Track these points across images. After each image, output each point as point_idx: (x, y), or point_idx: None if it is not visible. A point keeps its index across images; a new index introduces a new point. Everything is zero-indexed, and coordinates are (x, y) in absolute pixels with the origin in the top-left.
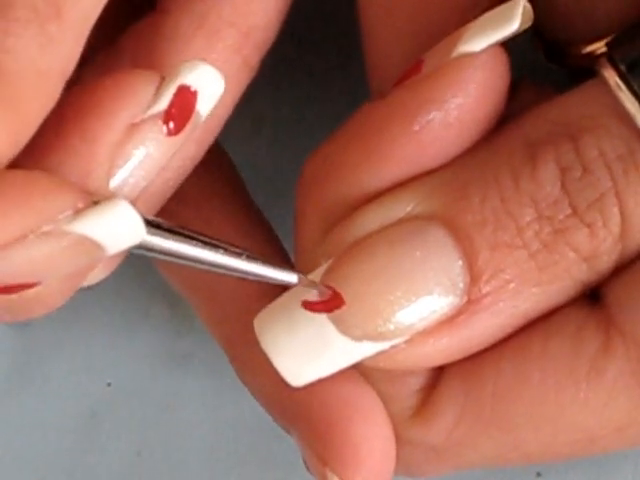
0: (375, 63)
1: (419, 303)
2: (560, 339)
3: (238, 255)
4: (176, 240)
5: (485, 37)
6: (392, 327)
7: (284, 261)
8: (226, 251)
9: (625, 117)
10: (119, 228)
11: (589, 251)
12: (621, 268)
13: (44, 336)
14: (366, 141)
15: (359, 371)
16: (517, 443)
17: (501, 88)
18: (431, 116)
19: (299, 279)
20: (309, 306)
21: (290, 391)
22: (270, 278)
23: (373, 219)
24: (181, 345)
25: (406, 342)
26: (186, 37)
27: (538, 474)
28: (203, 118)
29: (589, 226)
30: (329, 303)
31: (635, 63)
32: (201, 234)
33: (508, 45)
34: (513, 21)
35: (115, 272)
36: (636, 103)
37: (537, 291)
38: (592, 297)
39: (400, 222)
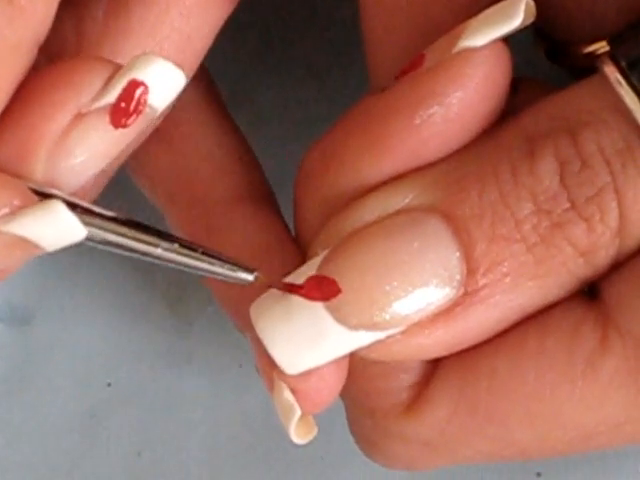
0: (375, 60)
1: (415, 294)
2: (557, 336)
3: (193, 250)
4: (123, 234)
5: (487, 32)
6: (388, 317)
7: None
8: (181, 246)
9: (624, 112)
10: (56, 230)
11: (586, 245)
12: (619, 265)
13: (44, 336)
14: (366, 133)
15: (352, 365)
16: (512, 439)
17: (503, 83)
18: (432, 110)
19: (255, 278)
20: (306, 294)
21: (247, 299)
22: (226, 275)
23: (371, 210)
24: (181, 345)
25: (402, 333)
26: None
27: (538, 474)
28: (158, 112)
29: (587, 220)
30: (325, 291)
31: (637, 60)
32: (154, 229)
33: (510, 42)
34: (516, 16)
35: (114, 272)
36: (636, 99)
37: (534, 285)
38: (590, 294)
39: (398, 213)
